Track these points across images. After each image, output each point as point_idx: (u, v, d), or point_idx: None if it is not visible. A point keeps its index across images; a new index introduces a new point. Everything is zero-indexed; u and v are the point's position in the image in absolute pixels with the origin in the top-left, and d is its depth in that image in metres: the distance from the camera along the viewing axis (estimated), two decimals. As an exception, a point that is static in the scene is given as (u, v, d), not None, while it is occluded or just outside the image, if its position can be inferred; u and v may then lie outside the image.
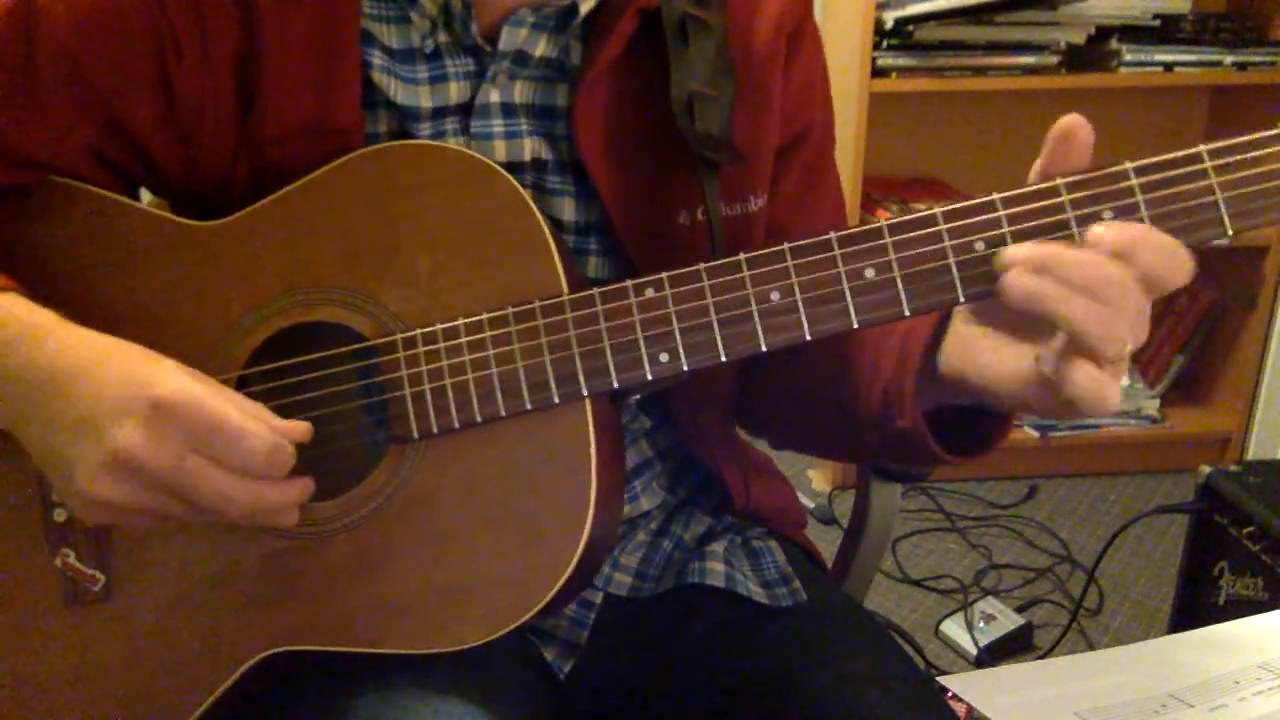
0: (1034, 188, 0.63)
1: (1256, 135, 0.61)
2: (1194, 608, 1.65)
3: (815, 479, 2.55)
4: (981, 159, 2.54)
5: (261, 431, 0.65)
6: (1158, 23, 2.25)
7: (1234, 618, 0.88)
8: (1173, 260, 0.60)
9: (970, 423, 0.75)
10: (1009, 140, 2.52)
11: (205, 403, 0.64)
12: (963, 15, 2.16)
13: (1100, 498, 2.48)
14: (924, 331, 0.72)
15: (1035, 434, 2.48)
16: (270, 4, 0.73)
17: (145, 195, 0.84)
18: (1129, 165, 0.62)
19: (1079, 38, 2.25)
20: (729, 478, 0.90)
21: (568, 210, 0.81)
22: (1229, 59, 2.27)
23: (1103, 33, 2.26)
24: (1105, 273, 0.59)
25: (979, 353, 0.68)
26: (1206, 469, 1.61)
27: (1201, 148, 0.61)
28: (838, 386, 0.82)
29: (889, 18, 2.15)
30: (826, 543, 1.03)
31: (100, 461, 0.63)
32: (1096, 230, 0.61)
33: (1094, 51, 2.28)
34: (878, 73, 2.19)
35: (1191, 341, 2.59)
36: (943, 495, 2.45)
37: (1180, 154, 0.61)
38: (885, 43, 2.18)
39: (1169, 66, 2.26)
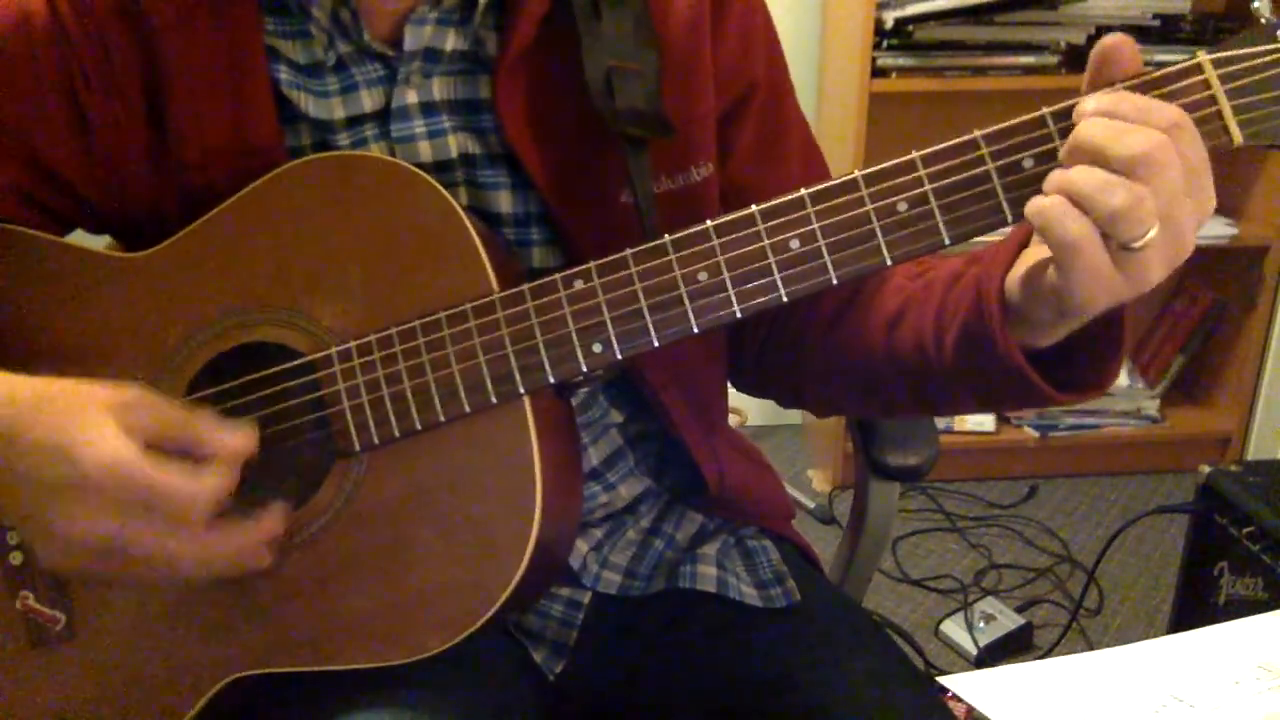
0: (952, 143, 0.64)
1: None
2: (1194, 608, 1.65)
3: (815, 479, 2.55)
4: (981, 159, 2.53)
5: (191, 487, 0.64)
6: (1158, 23, 2.25)
7: (1234, 618, 0.88)
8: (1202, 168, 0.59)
9: (1074, 358, 0.70)
10: (1009, 140, 2.52)
11: (128, 470, 0.63)
12: (963, 15, 2.16)
13: (1100, 498, 2.48)
14: (1000, 259, 0.69)
15: (1035, 434, 2.48)
16: (168, 24, 0.73)
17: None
18: (1046, 111, 0.64)
19: (1079, 38, 2.25)
20: (700, 457, 0.86)
21: (505, 203, 0.79)
22: (1229, 59, 2.26)
23: (1103, 33, 2.24)
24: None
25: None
26: (1206, 469, 1.61)
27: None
28: (897, 341, 0.78)
29: (889, 18, 2.15)
30: (826, 543, 1.03)
31: (47, 538, 0.65)
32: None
33: (1094, 51, 2.28)
34: (878, 73, 2.19)
35: (1191, 341, 2.58)
36: (943, 495, 2.45)
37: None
38: (885, 43, 2.18)
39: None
